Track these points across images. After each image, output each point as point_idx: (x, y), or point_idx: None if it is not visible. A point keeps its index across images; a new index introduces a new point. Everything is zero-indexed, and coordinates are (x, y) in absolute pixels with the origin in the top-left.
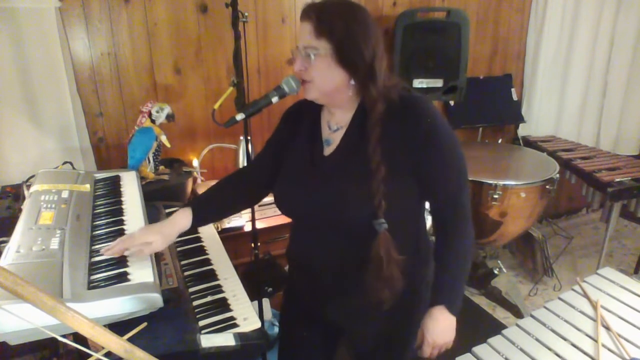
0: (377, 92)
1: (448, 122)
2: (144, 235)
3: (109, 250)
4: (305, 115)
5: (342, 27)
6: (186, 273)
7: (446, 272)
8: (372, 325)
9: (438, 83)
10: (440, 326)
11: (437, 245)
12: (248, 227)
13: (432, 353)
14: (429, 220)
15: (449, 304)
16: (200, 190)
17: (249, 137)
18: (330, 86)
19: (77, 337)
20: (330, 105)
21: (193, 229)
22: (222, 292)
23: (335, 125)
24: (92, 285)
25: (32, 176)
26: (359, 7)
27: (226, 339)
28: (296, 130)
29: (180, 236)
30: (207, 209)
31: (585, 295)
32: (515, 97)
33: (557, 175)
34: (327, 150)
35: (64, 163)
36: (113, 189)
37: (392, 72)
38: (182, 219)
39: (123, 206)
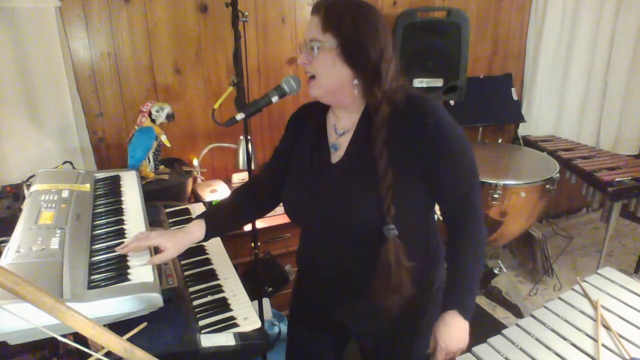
0: (382, 95)
1: (456, 121)
2: (159, 240)
3: (124, 248)
4: (310, 120)
5: (350, 24)
6: (186, 273)
7: (458, 275)
8: (379, 327)
9: (438, 83)
10: (453, 332)
11: (448, 247)
12: (248, 227)
13: None
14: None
15: (461, 308)
16: (201, 190)
17: (249, 137)
18: (333, 83)
19: (77, 337)
20: (334, 105)
21: (205, 240)
22: (222, 292)
23: (341, 129)
24: (92, 285)
25: (32, 176)
26: (371, 8)
27: (226, 339)
28: (301, 136)
29: None
30: (220, 220)
31: (585, 295)
32: (515, 97)
33: (557, 175)
34: (335, 157)
35: (64, 163)
36: (113, 188)
37: (400, 74)
38: (196, 230)
39: (123, 206)
